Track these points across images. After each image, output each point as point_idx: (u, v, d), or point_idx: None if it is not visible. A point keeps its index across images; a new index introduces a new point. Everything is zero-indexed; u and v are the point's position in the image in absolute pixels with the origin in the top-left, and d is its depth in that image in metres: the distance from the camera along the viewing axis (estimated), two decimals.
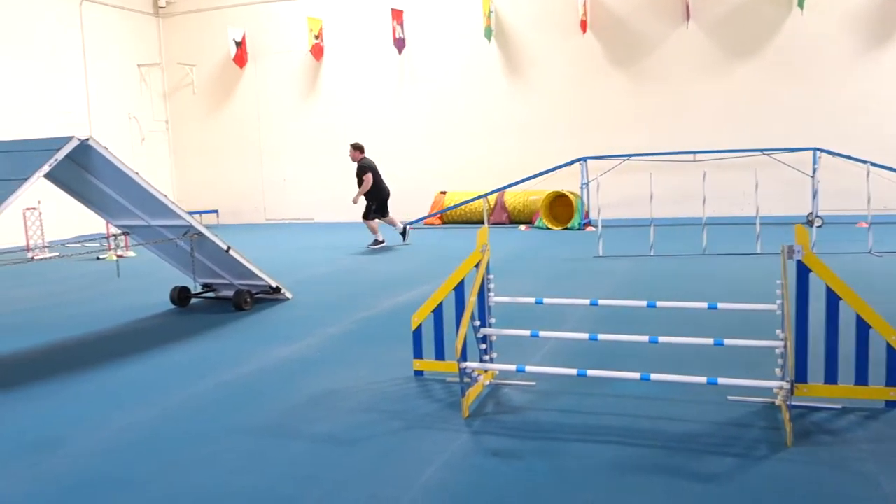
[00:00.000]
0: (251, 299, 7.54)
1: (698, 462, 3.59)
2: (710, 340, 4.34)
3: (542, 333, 4.77)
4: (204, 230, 7.02)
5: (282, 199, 18.07)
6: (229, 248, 7.21)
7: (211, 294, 8.02)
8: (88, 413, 4.64)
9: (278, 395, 4.82)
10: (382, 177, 12.36)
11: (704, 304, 4.66)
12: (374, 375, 5.16)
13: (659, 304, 4.74)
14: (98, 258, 11.78)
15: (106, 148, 6.12)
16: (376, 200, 12.24)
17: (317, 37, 17.01)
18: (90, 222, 8.20)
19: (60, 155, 5.67)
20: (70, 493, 3.50)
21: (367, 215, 12.27)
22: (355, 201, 12.19)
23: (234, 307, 7.44)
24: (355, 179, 12.30)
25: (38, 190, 5.88)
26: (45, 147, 5.78)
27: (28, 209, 12.52)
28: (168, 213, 6.82)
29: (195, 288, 7.92)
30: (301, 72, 17.52)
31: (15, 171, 5.56)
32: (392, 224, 12.64)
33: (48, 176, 6.09)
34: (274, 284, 7.71)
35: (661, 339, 4.42)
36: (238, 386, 5.09)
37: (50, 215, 13.07)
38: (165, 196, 6.71)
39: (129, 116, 17.60)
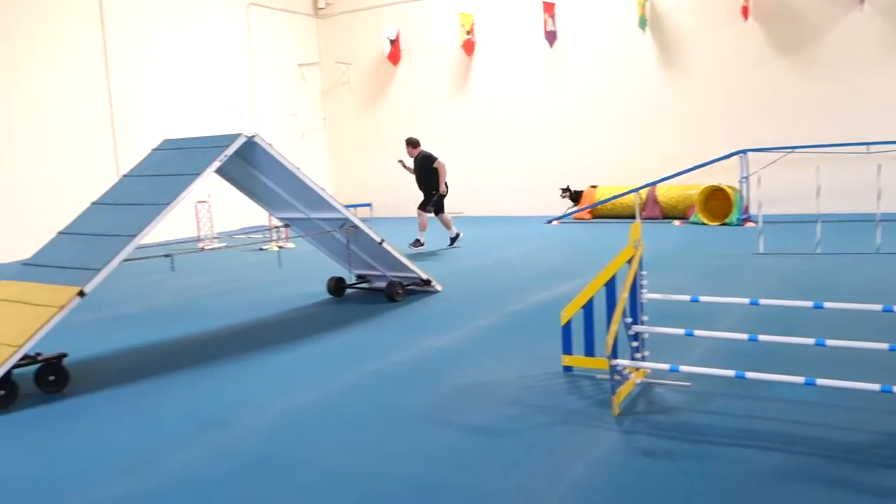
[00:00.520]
0: (403, 291, 7.74)
1: (868, 475, 3.36)
2: (885, 345, 4.04)
3: (697, 332, 4.61)
4: (359, 223, 7.27)
5: None
6: (383, 240, 7.43)
7: (365, 285, 8.30)
8: (253, 395, 4.93)
9: (430, 385, 4.93)
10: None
11: (878, 307, 4.33)
12: (523, 369, 5.17)
13: (826, 304, 4.45)
14: (261, 249, 12.46)
15: (270, 144, 6.45)
16: (438, 192, 11.68)
17: (468, 32, 17.18)
18: (254, 215, 8.70)
19: (229, 151, 6.03)
20: (239, 470, 3.73)
21: (425, 205, 11.72)
22: (444, 192, 11.69)
23: (386, 298, 7.66)
24: (416, 176, 11.83)
25: (208, 184, 6.31)
26: (215, 144, 6.17)
27: (199, 202, 13.43)
28: (326, 206, 7.11)
29: (350, 279, 8.21)
30: (452, 67, 17.76)
31: (188, 167, 5.97)
32: (446, 225, 11.96)
33: (217, 171, 6.49)
34: (425, 276, 7.87)
35: (829, 342, 4.15)
36: (391, 374, 5.24)
37: (219, 208, 13.95)
38: (324, 190, 6.99)
39: (290, 114, 18.48)
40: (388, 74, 18.52)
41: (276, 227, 9.79)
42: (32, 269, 5.52)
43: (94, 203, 6.13)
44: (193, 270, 9.36)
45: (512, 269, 9.61)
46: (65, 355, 5.14)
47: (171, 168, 6.16)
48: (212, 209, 13.64)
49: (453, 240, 11.94)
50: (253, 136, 6.25)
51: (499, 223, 15.29)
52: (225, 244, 13.08)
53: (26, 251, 7.74)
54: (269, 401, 4.79)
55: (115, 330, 6.94)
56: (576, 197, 15.88)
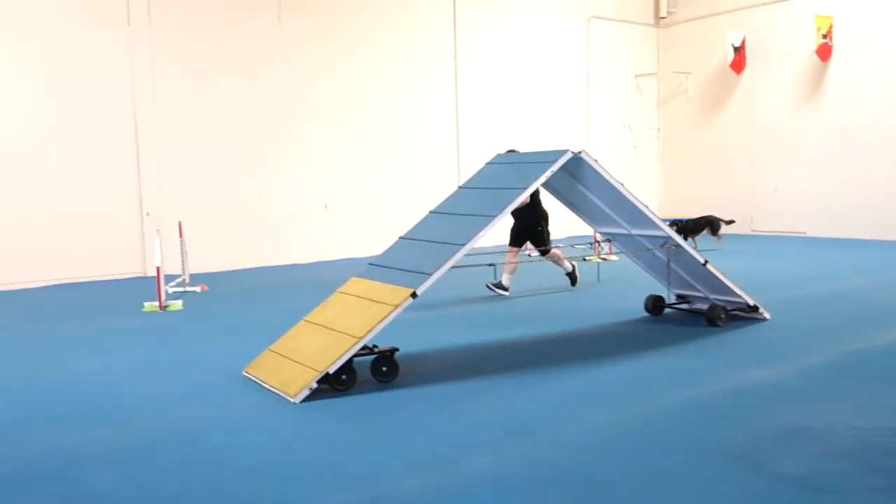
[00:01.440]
0: (725, 316, 7.33)
1: None
2: None
3: None
4: (682, 242, 7.02)
5: (771, 210, 17.16)
6: (706, 262, 7.10)
7: (684, 306, 8.00)
8: (560, 407, 5.01)
9: (745, 422, 4.62)
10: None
11: None
12: (859, 418, 4.62)
13: None
14: (584, 259, 12.59)
15: (596, 161, 6.50)
16: (542, 221, 9.17)
17: (825, 36, 15.71)
18: (580, 224, 8.85)
19: (556, 167, 6.20)
20: (538, 481, 3.82)
21: (543, 242, 9.19)
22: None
23: (707, 321, 7.31)
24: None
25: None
26: (543, 160, 6.38)
27: None
28: (648, 223, 6.98)
29: (669, 298, 7.98)
30: (803, 74, 16.37)
31: (517, 181, 6.25)
32: (557, 261, 9.51)
33: (544, 184, 6.70)
34: (751, 302, 7.37)
35: None
36: (704, 404, 5.00)
37: None
38: (647, 207, 6.87)
39: (624, 125, 18.41)
40: (730, 83, 17.62)
41: (599, 242, 9.83)
42: (376, 269, 6.17)
43: (431, 212, 6.68)
44: (517, 276, 9.75)
45: (858, 301, 8.61)
46: (396, 350, 5.67)
47: (501, 181, 6.49)
48: None
49: (572, 277, 9.72)
50: (579, 152, 6.35)
51: (844, 247, 13.79)
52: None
53: (375, 248, 8.66)
54: (575, 415, 4.84)
55: (440, 329, 7.47)
56: None
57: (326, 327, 5.70)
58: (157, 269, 8.93)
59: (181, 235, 10.44)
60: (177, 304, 8.98)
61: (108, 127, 11.62)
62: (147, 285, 9.94)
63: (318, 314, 6.02)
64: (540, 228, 9.18)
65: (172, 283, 9.97)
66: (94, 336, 7.56)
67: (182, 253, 10.45)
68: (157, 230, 9.73)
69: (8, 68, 10.83)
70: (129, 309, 8.91)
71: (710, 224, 13.90)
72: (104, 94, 11.56)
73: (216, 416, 4.98)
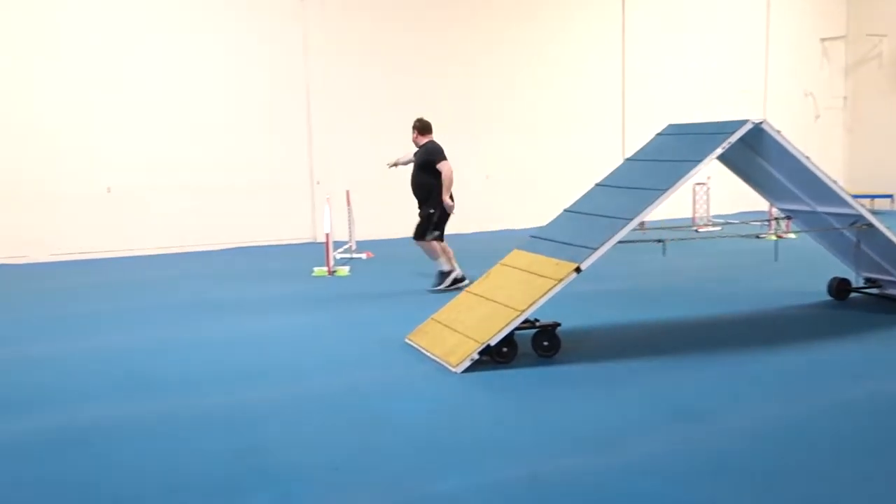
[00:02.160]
0: None
1: None
2: None
3: None
4: (875, 222, 6.43)
5: None
6: None
7: (874, 290, 7.36)
8: (734, 394, 4.74)
9: None
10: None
11: None
12: None
13: None
14: (757, 237, 11.87)
15: (778, 132, 6.05)
16: (439, 207, 7.96)
17: None
18: (754, 200, 8.33)
19: (733, 139, 5.82)
20: (709, 471, 3.63)
21: (424, 232, 8.00)
22: (448, 207, 7.97)
23: None
24: (412, 177, 8.22)
25: (709, 167, 6.19)
26: (719, 130, 6.01)
27: (698, 184, 13.31)
28: (836, 199, 6.44)
29: (857, 281, 7.36)
30: None
31: (690, 153, 5.93)
32: (431, 254, 8.12)
33: (719, 157, 6.33)
34: None
35: None
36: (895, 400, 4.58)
37: (717, 191, 13.66)
38: (836, 182, 6.34)
39: (805, 93, 17.15)
40: None
41: (777, 219, 9.22)
42: (539, 241, 6.07)
43: (597, 184, 6.48)
44: (685, 252, 9.35)
45: None
46: (558, 325, 5.57)
47: (672, 153, 6.19)
48: (710, 192, 13.44)
49: (445, 275, 8.02)
50: (760, 123, 5.94)
51: None
52: (720, 228, 12.79)
53: (535, 220, 8.54)
54: (749, 403, 4.57)
55: (604, 305, 7.29)
56: None
57: (488, 299, 5.69)
58: (327, 235, 9.27)
59: (349, 204, 10.77)
60: (344, 270, 9.29)
61: (284, 102, 12.14)
62: (316, 251, 10.36)
63: (480, 285, 6.02)
64: (433, 212, 7.92)
65: (340, 250, 10.33)
66: (269, 298, 7.96)
67: (349, 220, 10.79)
68: (327, 198, 10.09)
69: (204, 50, 11.54)
70: (300, 273, 9.32)
71: None
72: (280, 72, 12.09)
73: (380, 381, 5.10)
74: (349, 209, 10.75)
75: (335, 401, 4.72)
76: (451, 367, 5.23)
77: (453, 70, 13.26)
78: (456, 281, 7.93)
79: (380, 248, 11.12)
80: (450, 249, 8.16)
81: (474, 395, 4.82)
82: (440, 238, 8.06)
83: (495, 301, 5.60)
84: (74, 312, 7.44)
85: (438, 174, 7.92)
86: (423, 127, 8.33)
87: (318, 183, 12.33)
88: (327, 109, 12.43)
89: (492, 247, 9.37)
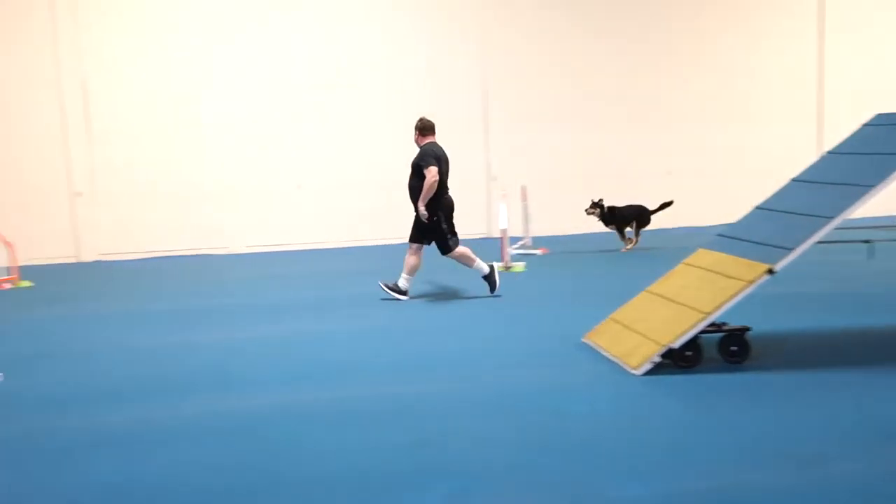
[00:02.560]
0: None
1: None
2: None
3: None
4: None
5: None
6: None
7: None
8: None
9: None
10: (447, 177, 7.64)
11: None
12: None
13: None
14: None
15: None
16: (443, 211, 7.53)
17: None
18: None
19: None
20: None
21: (445, 244, 7.58)
22: (424, 215, 7.49)
23: None
24: (409, 180, 7.70)
25: None
26: None
27: None
28: None
29: None
30: None
31: None
32: (411, 265, 7.71)
33: None
34: None
35: None
36: None
37: None
38: None
39: None
40: None
41: None
42: (727, 240, 5.74)
43: (793, 180, 6.02)
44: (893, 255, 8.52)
45: None
46: (748, 329, 5.23)
47: (882, 146, 5.63)
48: None
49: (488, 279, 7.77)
50: None
51: None
52: None
53: (720, 216, 8.12)
54: None
55: (800, 309, 6.77)
56: None
57: (671, 299, 5.45)
58: (503, 231, 9.28)
59: (524, 199, 10.73)
60: (519, 266, 9.27)
61: (460, 98, 12.31)
62: (491, 246, 10.40)
63: (662, 285, 5.77)
64: (437, 219, 7.50)
65: (515, 245, 10.31)
66: (444, 292, 8.08)
67: (525, 216, 10.76)
68: (503, 194, 10.10)
69: (385, 49, 11.95)
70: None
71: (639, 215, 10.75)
72: (457, 68, 12.27)
73: (556, 380, 5.01)
74: (525, 205, 10.71)
75: (510, 398, 4.68)
76: (630, 369, 5.06)
77: (628, 62, 12.87)
78: (396, 288, 7.63)
79: (556, 245, 11.00)
80: (416, 261, 7.69)
81: (655, 399, 4.62)
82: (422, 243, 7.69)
83: (678, 302, 5.35)
84: (263, 302, 7.91)
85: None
86: (423, 128, 7.79)
87: (494, 179, 12.38)
88: (504, 105, 12.46)
89: (673, 245, 9.02)
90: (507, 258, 9.19)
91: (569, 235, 12.24)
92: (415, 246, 7.67)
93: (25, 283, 9.31)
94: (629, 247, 10.57)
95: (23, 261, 9.69)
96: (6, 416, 4.68)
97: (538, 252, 10.43)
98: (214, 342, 6.26)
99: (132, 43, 11.36)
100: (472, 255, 7.65)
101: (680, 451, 3.84)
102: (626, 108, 12.91)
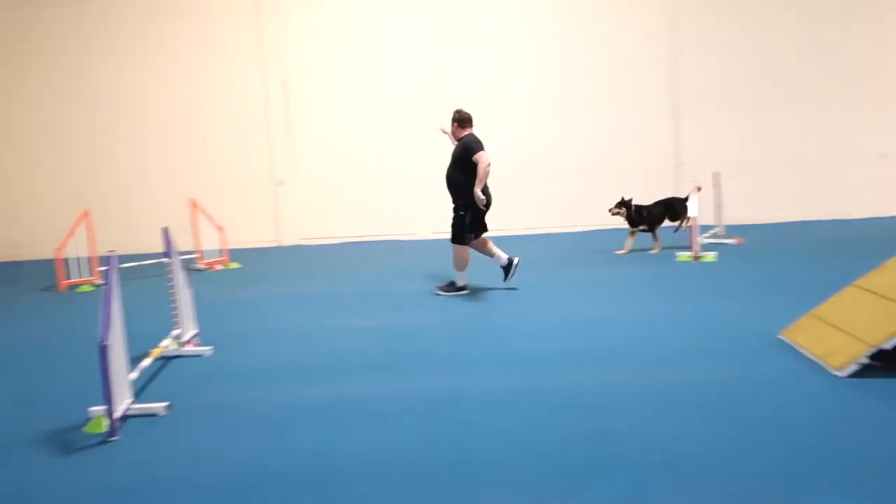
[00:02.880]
0: None
1: None
2: None
3: None
4: None
5: None
6: None
7: None
8: None
9: None
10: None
11: None
12: None
13: None
14: None
15: None
16: (472, 207, 7.38)
17: None
18: None
19: None
20: None
21: (461, 236, 7.53)
22: (478, 200, 7.28)
23: None
24: (447, 172, 7.58)
25: None
26: None
27: None
28: None
29: None
30: None
31: None
32: (487, 252, 7.76)
33: None
34: None
35: None
36: None
37: None
38: None
39: None
40: None
41: None
42: None
43: None
44: None
45: None
46: None
47: None
48: None
49: (507, 269, 7.76)
50: None
51: None
52: None
53: None
54: None
55: None
56: None
57: (883, 296, 4.96)
58: (693, 219, 8.90)
59: (716, 186, 10.23)
60: (710, 256, 8.85)
61: (649, 85, 11.92)
62: (678, 235, 10.01)
63: (873, 280, 5.27)
64: (463, 213, 7.48)
65: (706, 234, 9.86)
66: (629, 280, 7.88)
67: (716, 204, 10.26)
68: (694, 181, 9.68)
69: (584, 40, 11.82)
70: (661, 257, 9.09)
71: (669, 209, 9.75)
72: (646, 53, 11.87)
73: (748, 378, 4.73)
74: (716, 192, 10.21)
75: (698, 394, 4.48)
76: (832, 370, 4.67)
77: (838, 35, 11.86)
78: (455, 288, 7.68)
79: (751, 234, 10.41)
80: (490, 243, 7.77)
81: (861, 403, 4.23)
82: (478, 235, 7.69)
83: (891, 299, 4.87)
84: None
85: (473, 171, 7.30)
86: (462, 119, 7.66)
87: (682, 166, 11.90)
88: (694, 90, 11.92)
89: (883, 235, 8.25)
90: (696, 247, 8.80)
91: (768, 224, 11.55)
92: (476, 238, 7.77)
93: (234, 265, 10.11)
94: (657, 250, 9.62)
95: (232, 244, 10.51)
96: (214, 386, 5.11)
97: (731, 241, 9.91)
98: (404, 325, 6.49)
99: (327, 42, 11.97)
100: (467, 262, 7.66)
101: (891, 462, 3.49)
102: (834, 87, 11.94)
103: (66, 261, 9.09)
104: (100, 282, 9.02)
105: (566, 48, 11.88)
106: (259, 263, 10.36)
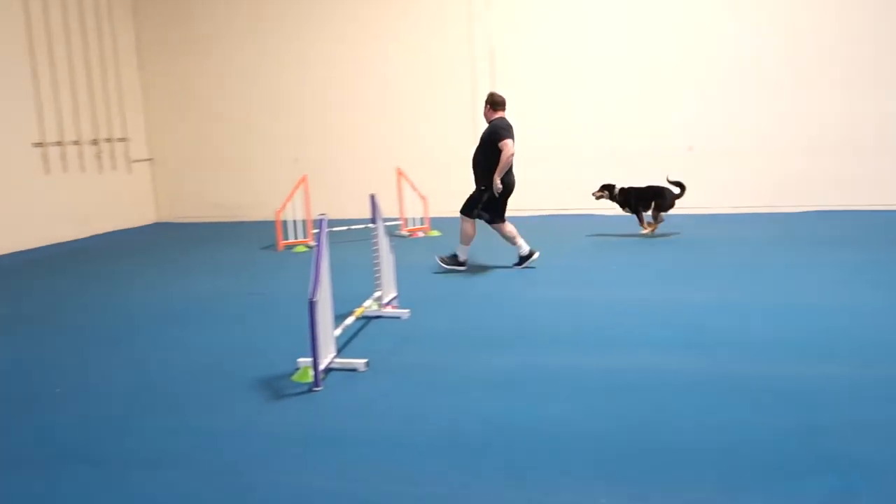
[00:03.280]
0: None
1: None
2: None
3: None
4: None
5: None
6: None
7: None
8: None
9: None
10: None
11: None
12: None
13: None
14: None
15: None
16: (491, 189, 7.35)
17: None
18: None
19: None
20: None
21: (471, 209, 7.56)
22: (498, 188, 7.36)
23: None
24: (474, 154, 7.60)
25: None
26: None
27: None
28: None
29: None
30: None
31: None
32: (508, 238, 7.66)
33: None
34: None
35: None
36: None
37: None
38: None
39: None
40: None
41: None
42: None
43: None
44: None
45: None
46: None
47: None
48: None
49: (523, 259, 7.76)
50: None
51: None
52: None
53: None
54: None
55: None
56: None
57: None
58: None
59: None
60: None
61: (863, 58, 10.80)
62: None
63: None
64: (483, 189, 7.50)
65: None
66: (849, 266, 7.27)
67: None
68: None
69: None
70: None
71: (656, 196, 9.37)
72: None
73: None
74: None
75: None
76: None
77: None
78: (456, 261, 7.77)
79: None
80: (513, 229, 7.72)
81: None
82: (502, 218, 7.63)
83: None
84: (647, 262, 7.86)
85: (497, 155, 7.29)
86: (494, 102, 7.55)
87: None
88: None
89: None
90: None
91: None
92: (499, 223, 7.71)
93: (434, 233, 10.43)
94: (647, 230, 9.49)
95: (433, 213, 10.83)
96: (410, 347, 5.34)
97: None
98: (596, 299, 6.42)
99: (536, 12, 11.88)
100: (470, 237, 7.70)
101: None
102: None
103: (284, 223, 9.82)
104: (312, 243, 9.66)
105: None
106: (454, 232, 10.57)
